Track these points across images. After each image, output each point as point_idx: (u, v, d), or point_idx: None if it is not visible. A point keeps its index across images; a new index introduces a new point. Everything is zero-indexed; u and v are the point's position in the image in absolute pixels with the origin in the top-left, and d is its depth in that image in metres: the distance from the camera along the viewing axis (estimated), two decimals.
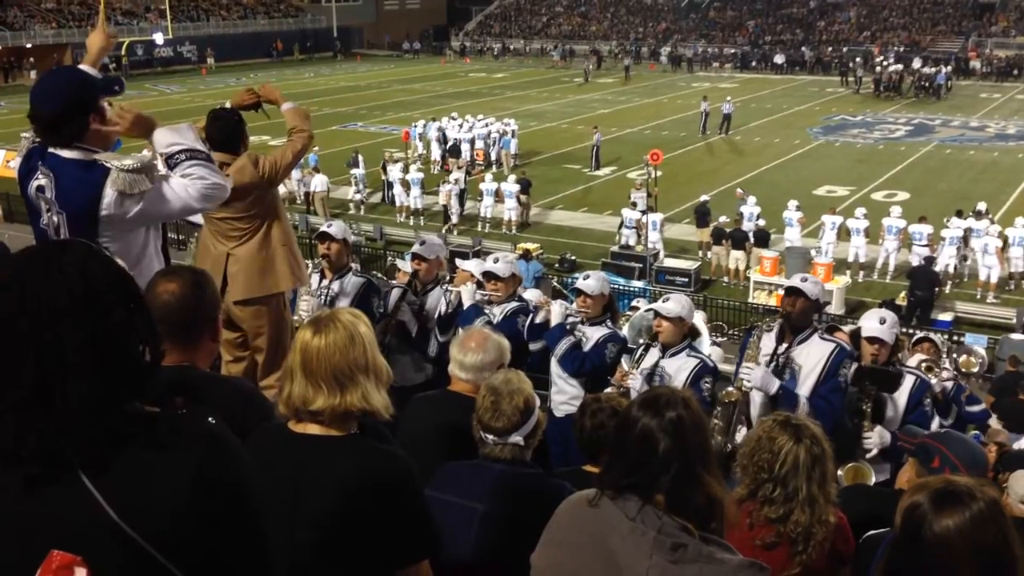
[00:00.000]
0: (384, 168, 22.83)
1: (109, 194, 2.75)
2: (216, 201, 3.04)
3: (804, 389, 4.47)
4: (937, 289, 15.22)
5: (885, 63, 43.48)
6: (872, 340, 4.50)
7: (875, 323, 4.51)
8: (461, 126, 26.56)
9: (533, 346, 5.28)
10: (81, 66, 3.15)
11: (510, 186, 20.40)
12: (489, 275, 5.42)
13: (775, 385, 4.44)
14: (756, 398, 4.56)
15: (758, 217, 18.18)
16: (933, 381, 4.92)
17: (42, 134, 2.83)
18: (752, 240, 17.26)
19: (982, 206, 17.31)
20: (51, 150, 2.81)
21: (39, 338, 1.37)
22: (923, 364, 5.42)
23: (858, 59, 44.64)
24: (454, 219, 20.62)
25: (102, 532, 1.35)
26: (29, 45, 47.72)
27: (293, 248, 4.52)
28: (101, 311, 1.41)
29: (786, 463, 2.70)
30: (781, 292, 4.85)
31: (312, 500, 2.12)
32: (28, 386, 1.35)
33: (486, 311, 5.34)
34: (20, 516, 1.37)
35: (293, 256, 4.47)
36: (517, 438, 2.71)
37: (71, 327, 1.38)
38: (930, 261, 15.74)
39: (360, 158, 22.63)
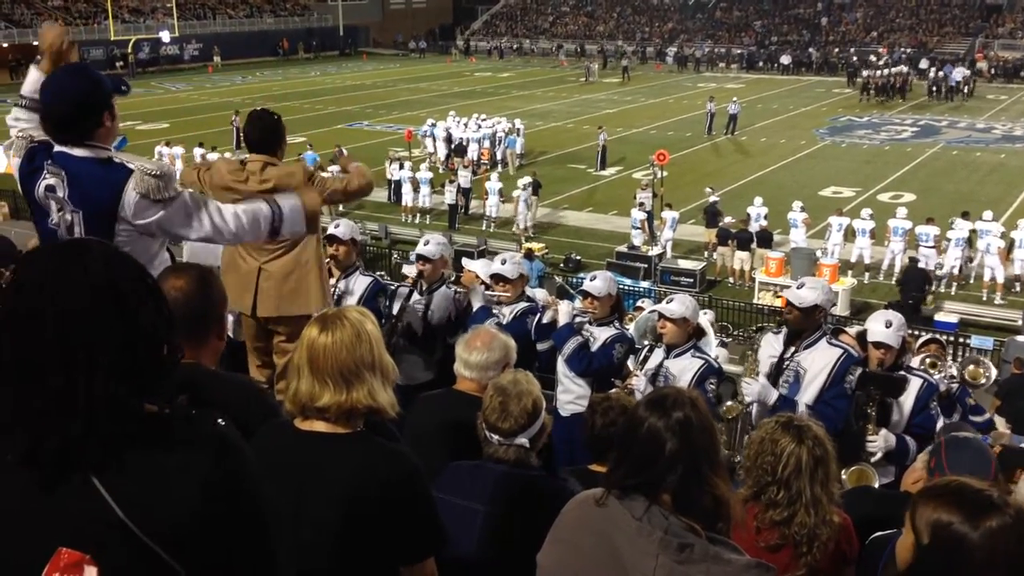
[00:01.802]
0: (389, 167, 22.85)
1: (131, 195, 2.70)
2: (238, 239, 2.99)
3: (808, 394, 4.44)
4: (927, 287, 15.19)
5: (880, 64, 42.48)
6: (878, 345, 4.48)
7: (881, 327, 4.49)
8: (467, 125, 26.54)
9: (540, 345, 5.28)
10: (32, 68, 3.07)
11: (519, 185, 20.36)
12: (497, 277, 5.40)
13: (773, 396, 4.42)
14: (756, 406, 4.55)
15: (764, 218, 18.15)
16: (937, 378, 4.90)
17: (53, 133, 2.80)
18: (756, 241, 17.26)
19: (988, 215, 17.26)
20: (59, 149, 2.76)
21: (66, 340, 1.34)
22: (927, 359, 5.39)
23: (862, 58, 44.29)
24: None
25: (110, 531, 1.34)
26: (36, 43, 47.69)
27: (323, 268, 4.52)
28: (130, 311, 1.39)
29: (789, 465, 2.68)
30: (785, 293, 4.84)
31: (318, 497, 2.12)
32: (53, 388, 1.33)
33: (495, 312, 5.34)
34: (30, 515, 1.36)
35: (322, 277, 4.46)
36: (522, 440, 2.70)
37: (101, 328, 1.36)
38: (915, 261, 15.77)
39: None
